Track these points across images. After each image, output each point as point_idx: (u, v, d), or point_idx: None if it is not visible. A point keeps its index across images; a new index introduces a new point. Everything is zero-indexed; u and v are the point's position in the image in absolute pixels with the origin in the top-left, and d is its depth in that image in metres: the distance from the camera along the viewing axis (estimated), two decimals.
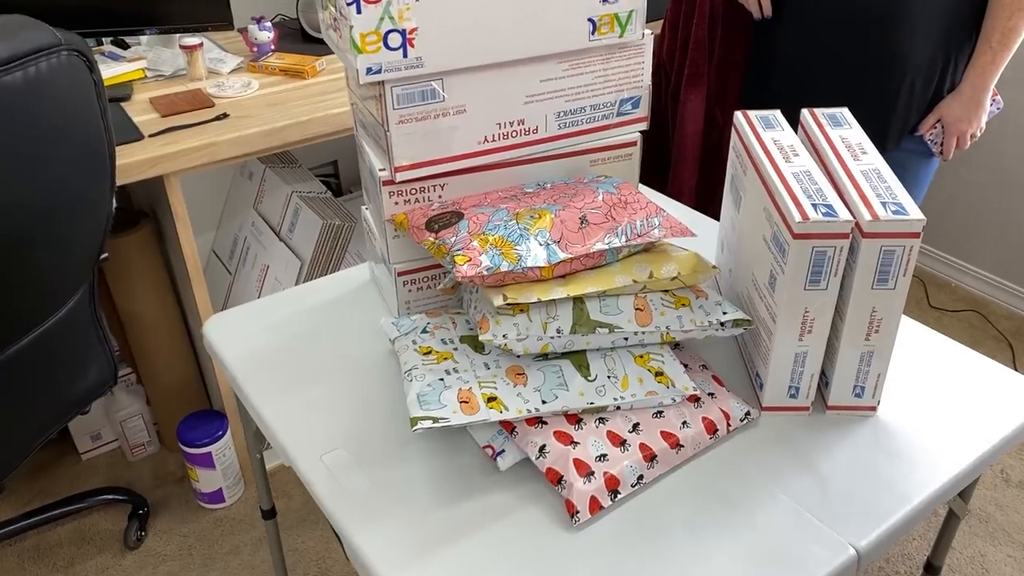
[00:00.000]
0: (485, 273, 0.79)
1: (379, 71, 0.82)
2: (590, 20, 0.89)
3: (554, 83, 0.92)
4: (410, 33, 0.81)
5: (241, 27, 1.90)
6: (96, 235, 1.16)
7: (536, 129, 0.95)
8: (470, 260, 0.79)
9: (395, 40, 0.81)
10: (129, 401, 1.83)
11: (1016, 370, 2.27)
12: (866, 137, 0.94)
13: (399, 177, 0.91)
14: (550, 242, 0.83)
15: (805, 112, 1.00)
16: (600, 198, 0.89)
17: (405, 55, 0.82)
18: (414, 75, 0.84)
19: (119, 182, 1.27)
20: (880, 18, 1.49)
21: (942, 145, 1.57)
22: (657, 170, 1.93)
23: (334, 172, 2.35)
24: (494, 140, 0.93)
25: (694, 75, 1.76)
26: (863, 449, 0.86)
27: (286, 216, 1.84)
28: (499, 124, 0.92)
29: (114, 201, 1.17)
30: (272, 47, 1.77)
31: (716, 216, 1.31)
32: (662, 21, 1.83)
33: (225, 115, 1.49)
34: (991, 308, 2.45)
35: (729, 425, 0.87)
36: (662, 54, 1.85)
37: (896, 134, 1.54)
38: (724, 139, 1.86)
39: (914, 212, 0.79)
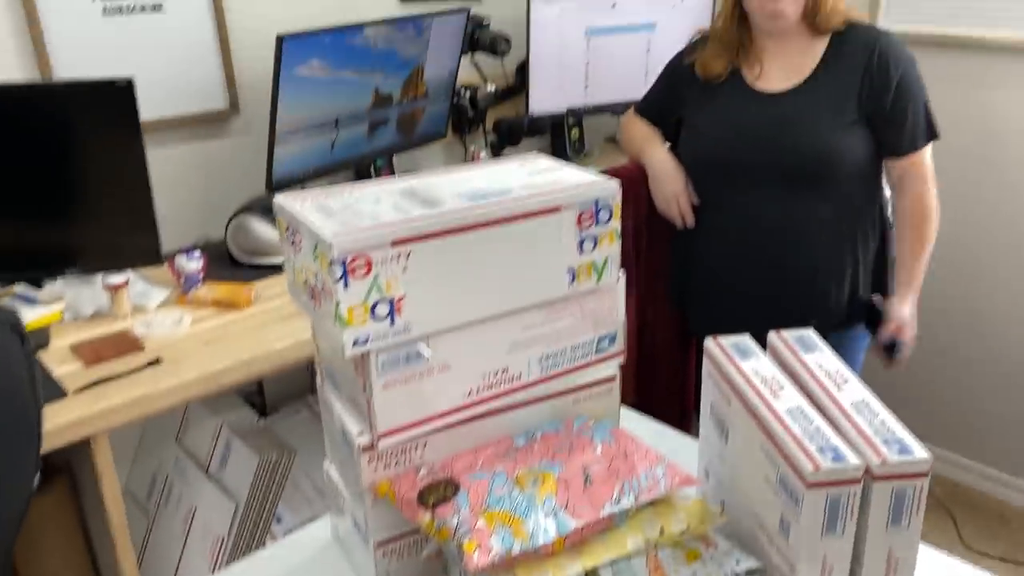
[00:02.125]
0: (497, 560, 0.72)
1: (366, 342, 0.78)
2: (569, 270, 0.89)
3: (536, 329, 0.91)
4: (398, 302, 0.78)
5: (165, 252, 1.83)
6: (14, 522, 1.01)
7: (520, 375, 0.91)
8: (479, 546, 0.72)
9: (383, 310, 0.78)
10: None
11: (961, 540, 2.28)
12: (841, 362, 0.96)
13: (382, 444, 0.84)
14: (558, 510, 0.78)
15: (773, 335, 1.01)
16: (598, 451, 0.86)
17: (392, 323, 0.79)
18: (401, 341, 0.80)
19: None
20: (783, 235, 1.62)
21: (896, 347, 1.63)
22: None
23: (258, 389, 2.23)
24: (479, 392, 0.89)
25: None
26: None
27: (215, 451, 1.70)
28: (483, 375, 0.89)
29: (38, 477, 1.04)
30: (201, 275, 1.71)
31: (654, 412, 1.29)
32: None
33: (158, 360, 1.38)
34: None
35: None
36: None
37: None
38: (656, 339, 1.91)
39: (918, 451, 0.78)
